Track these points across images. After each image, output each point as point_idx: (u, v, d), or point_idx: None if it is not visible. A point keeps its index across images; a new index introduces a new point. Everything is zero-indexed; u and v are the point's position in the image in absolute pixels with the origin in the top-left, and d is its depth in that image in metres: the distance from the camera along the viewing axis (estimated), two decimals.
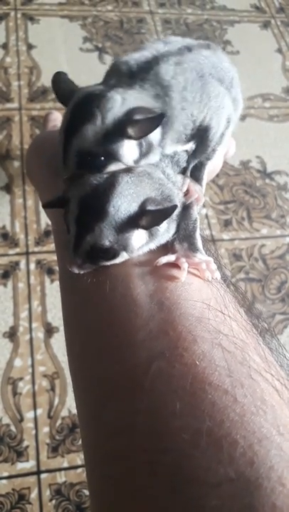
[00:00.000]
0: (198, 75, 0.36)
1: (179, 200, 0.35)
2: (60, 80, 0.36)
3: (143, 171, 0.33)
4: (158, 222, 0.32)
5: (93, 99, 0.32)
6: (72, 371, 0.35)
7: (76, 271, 0.32)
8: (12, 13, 1.29)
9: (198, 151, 0.37)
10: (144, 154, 0.34)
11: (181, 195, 0.36)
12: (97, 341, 0.31)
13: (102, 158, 0.32)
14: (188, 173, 0.37)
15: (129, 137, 0.32)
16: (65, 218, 0.33)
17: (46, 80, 1.19)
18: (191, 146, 0.37)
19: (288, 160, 1.18)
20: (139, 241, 0.32)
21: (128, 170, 0.33)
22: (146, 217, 0.31)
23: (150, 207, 0.31)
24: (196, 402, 0.25)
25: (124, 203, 0.31)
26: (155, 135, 0.34)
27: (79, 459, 0.79)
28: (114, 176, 0.32)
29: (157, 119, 0.32)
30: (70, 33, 1.28)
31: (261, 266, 1.03)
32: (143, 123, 0.31)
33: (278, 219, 1.09)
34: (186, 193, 0.36)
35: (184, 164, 0.37)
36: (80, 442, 0.81)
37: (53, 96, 1.16)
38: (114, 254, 0.32)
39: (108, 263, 0.32)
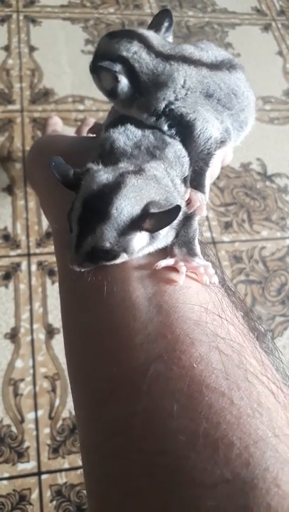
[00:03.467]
0: (207, 94, 0.39)
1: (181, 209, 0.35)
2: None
3: (152, 175, 0.33)
4: (163, 225, 0.32)
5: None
6: (71, 372, 0.35)
7: (77, 269, 0.32)
8: (14, 15, 1.29)
9: (189, 152, 0.39)
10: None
11: (184, 205, 0.36)
12: (96, 343, 0.31)
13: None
14: (189, 183, 0.38)
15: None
16: (68, 216, 0.33)
17: (48, 82, 1.19)
18: (169, 131, 0.39)
19: (288, 162, 1.19)
20: (140, 243, 0.32)
21: (137, 172, 0.33)
22: (150, 220, 0.31)
23: (153, 210, 0.31)
24: (193, 404, 0.26)
25: (127, 205, 0.31)
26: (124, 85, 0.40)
27: (79, 460, 0.79)
28: (122, 177, 0.32)
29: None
30: (72, 35, 1.28)
31: (261, 268, 1.03)
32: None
33: (278, 221, 1.10)
34: (188, 202, 0.37)
35: (187, 172, 0.38)
36: None
37: (55, 98, 1.17)
38: (115, 256, 0.32)
39: (108, 263, 0.33)
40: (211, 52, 0.42)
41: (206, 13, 1.43)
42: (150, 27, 0.43)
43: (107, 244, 0.31)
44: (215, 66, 0.41)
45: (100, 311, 0.32)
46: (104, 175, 0.32)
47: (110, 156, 0.35)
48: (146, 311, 0.30)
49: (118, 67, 0.39)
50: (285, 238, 1.08)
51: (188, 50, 0.40)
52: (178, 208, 0.31)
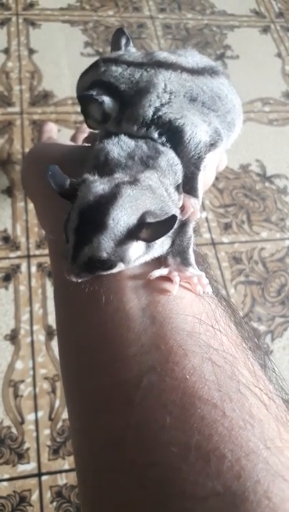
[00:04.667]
0: (192, 98, 0.39)
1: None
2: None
3: (147, 185, 0.34)
4: (160, 235, 0.32)
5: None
6: (65, 382, 0.35)
7: (74, 279, 0.32)
8: (14, 18, 1.30)
9: (180, 157, 0.39)
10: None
11: (178, 212, 0.36)
12: (90, 354, 0.32)
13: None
14: (181, 188, 0.38)
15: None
16: (64, 226, 0.33)
17: (47, 85, 1.20)
18: (160, 138, 0.39)
19: (288, 163, 1.19)
20: (137, 253, 0.33)
21: (133, 182, 0.33)
22: (147, 229, 0.31)
23: (149, 219, 0.31)
24: (186, 416, 0.26)
25: (124, 215, 0.31)
26: (111, 107, 0.40)
27: None
28: (117, 187, 0.32)
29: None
30: (71, 38, 1.29)
31: (261, 269, 1.03)
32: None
33: (278, 222, 1.10)
34: (182, 209, 0.37)
35: (180, 180, 0.38)
36: None
37: (54, 100, 1.17)
38: (111, 265, 0.32)
39: (105, 273, 0.33)
40: (191, 58, 0.42)
41: (205, 15, 1.44)
42: (111, 51, 0.45)
43: (104, 254, 0.31)
44: (196, 71, 0.41)
45: (94, 322, 0.32)
46: (100, 185, 0.32)
47: (105, 166, 0.36)
48: (140, 321, 0.31)
49: (95, 91, 0.39)
50: (284, 239, 1.08)
51: (162, 55, 0.41)
52: (174, 217, 0.31)
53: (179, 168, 0.38)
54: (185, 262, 0.35)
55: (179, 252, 0.36)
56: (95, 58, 0.43)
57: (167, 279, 0.34)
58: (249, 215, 1.10)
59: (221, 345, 0.30)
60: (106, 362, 0.30)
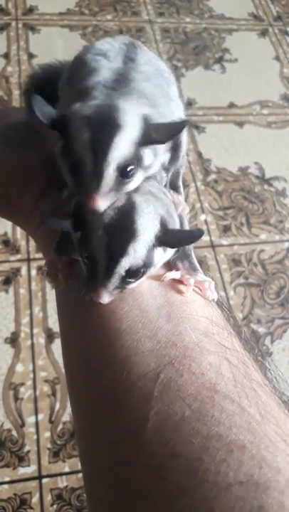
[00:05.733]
0: (164, 93, 0.38)
1: (176, 218, 0.36)
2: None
3: (148, 190, 0.34)
4: (185, 243, 0.33)
5: (110, 114, 0.32)
6: (73, 383, 0.35)
7: (106, 301, 0.32)
8: (13, 23, 1.31)
9: (172, 161, 0.38)
10: (154, 160, 0.34)
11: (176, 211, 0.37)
12: (105, 351, 0.32)
13: (133, 167, 0.32)
14: (168, 186, 0.38)
15: (152, 142, 0.33)
16: (86, 249, 0.32)
17: None
18: (167, 156, 0.38)
19: (286, 166, 1.20)
20: (159, 255, 0.33)
21: (135, 190, 0.34)
22: (170, 236, 0.32)
23: (170, 226, 0.32)
24: (205, 409, 0.26)
25: (148, 220, 0.32)
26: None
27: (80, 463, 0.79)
28: (129, 198, 0.33)
29: (181, 124, 0.33)
30: (71, 43, 1.30)
31: (260, 271, 1.03)
32: (166, 127, 0.32)
33: (277, 224, 1.10)
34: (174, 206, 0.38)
35: (166, 179, 0.38)
36: None
37: None
38: (144, 272, 0.32)
39: (136, 284, 0.33)
40: (112, 51, 0.38)
41: (204, 19, 1.44)
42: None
43: (141, 262, 0.31)
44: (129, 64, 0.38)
45: (109, 320, 0.32)
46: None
47: None
48: (155, 319, 0.31)
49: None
50: (283, 241, 1.08)
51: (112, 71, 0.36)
52: (201, 231, 0.32)
53: (165, 175, 0.39)
54: (192, 267, 0.36)
55: (185, 256, 0.37)
56: None
57: (179, 281, 0.34)
58: (248, 218, 1.10)
59: (233, 346, 0.31)
60: (122, 357, 0.30)
